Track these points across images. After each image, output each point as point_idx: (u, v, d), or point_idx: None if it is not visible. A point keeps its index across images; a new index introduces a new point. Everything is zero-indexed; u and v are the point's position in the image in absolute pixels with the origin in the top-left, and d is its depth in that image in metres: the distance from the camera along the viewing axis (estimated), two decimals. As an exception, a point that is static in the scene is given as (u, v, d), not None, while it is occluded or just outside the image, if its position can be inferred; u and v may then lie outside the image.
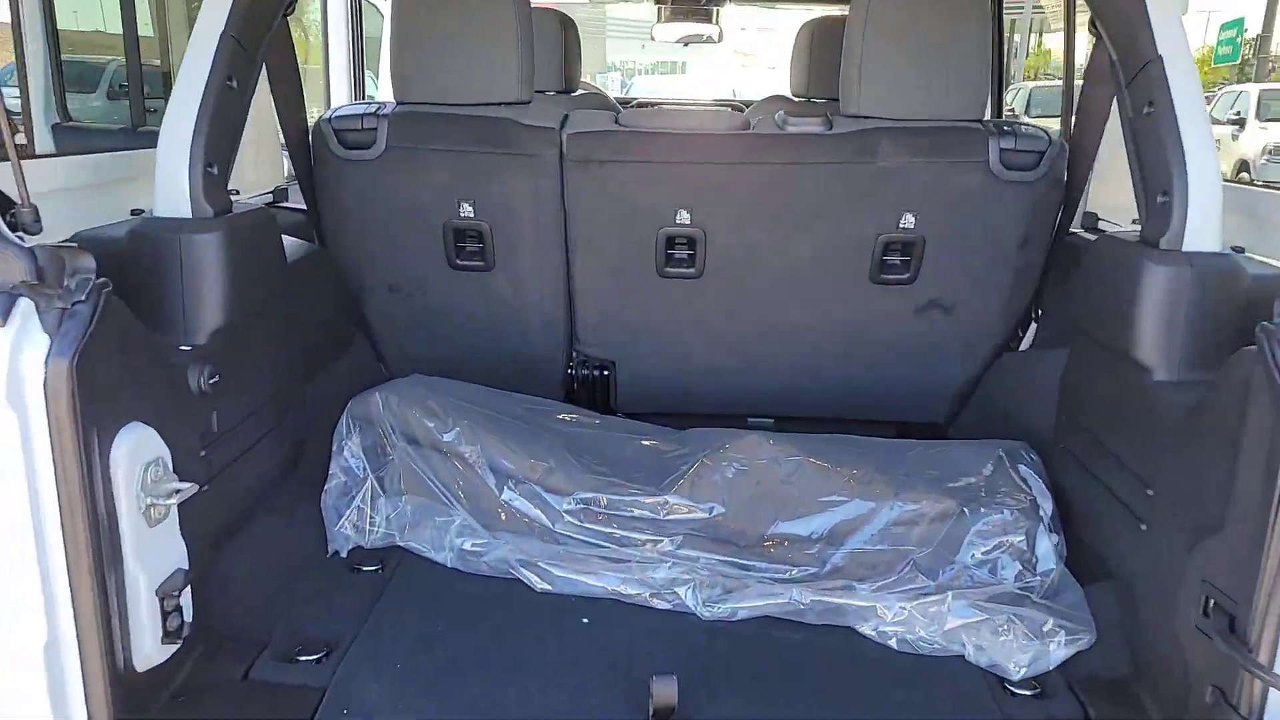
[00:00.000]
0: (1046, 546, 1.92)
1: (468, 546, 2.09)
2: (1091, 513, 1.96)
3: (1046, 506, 1.98)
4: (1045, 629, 1.73)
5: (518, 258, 2.62)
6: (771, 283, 2.59)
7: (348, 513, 2.17)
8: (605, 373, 2.88)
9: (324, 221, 2.63)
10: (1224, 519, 1.45)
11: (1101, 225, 2.63)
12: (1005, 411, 2.59)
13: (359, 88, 3.99)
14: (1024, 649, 1.72)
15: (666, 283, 2.63)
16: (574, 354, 2.85)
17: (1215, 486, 1.49)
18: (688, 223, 2.51)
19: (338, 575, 2.09)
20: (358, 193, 2.55)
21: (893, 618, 1.80)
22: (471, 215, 2.56)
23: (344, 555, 2.14)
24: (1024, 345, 2.78)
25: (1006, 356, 2.72)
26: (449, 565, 2.08)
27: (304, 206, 2.69)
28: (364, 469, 2.21)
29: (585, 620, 1.91)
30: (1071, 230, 2.55)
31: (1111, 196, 2.69)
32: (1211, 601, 1.46)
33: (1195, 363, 1.76)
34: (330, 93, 3.90)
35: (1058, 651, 1.72)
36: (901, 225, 2.47)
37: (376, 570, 2.09)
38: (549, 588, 1.99)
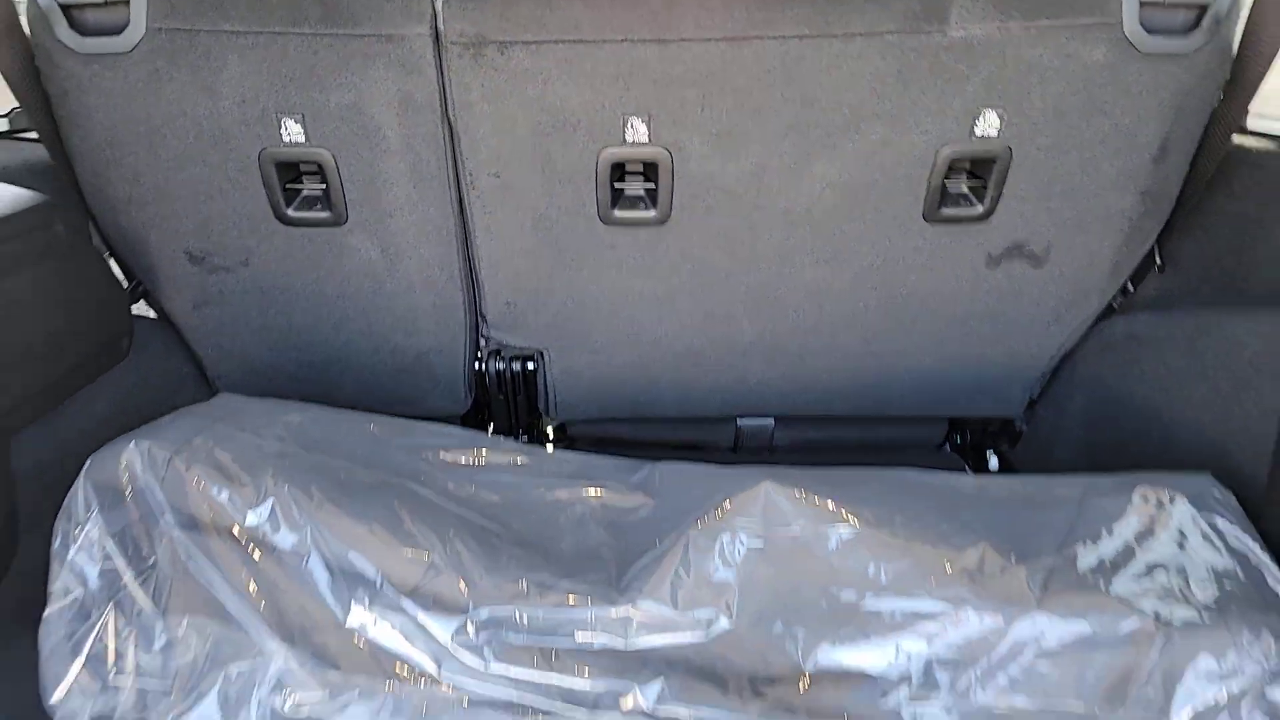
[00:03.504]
0: (1309, 682, 1.08)
1: (288, 709, 1.19)
2: None
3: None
4: None
5: (384, 204, 1.69)
6: (772, 228, 1.70)
7: (81, 655, 1.25)
8: (531, 366, 1.97)
9: (73, 159, 1.66)
10: None
11: (1257, 124, 1.78)
12: (1136, 417, 1.75)
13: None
14: None
15: (616, 233, 1.72)
16: (481, 342, 1.93)
17: None
18: (645, 139, 1.59)
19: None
20: (113, 110, 1.57)
21: None
22: (302, 139, 1.60)
23: (75, 734, 1.23)
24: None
25: (1119, 326, 1.87)
26: (256, 749, 1.19)
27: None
28: (110, 578, 1.28)
29: None
30: (1248, 130, 1.67)
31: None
32: None
33: None
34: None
35: None
36: (978, 131, 1.58)
37: None
38: (428, 800, 1.11)
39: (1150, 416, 1.68)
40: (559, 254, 1.74)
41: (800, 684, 1.18)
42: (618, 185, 1.67)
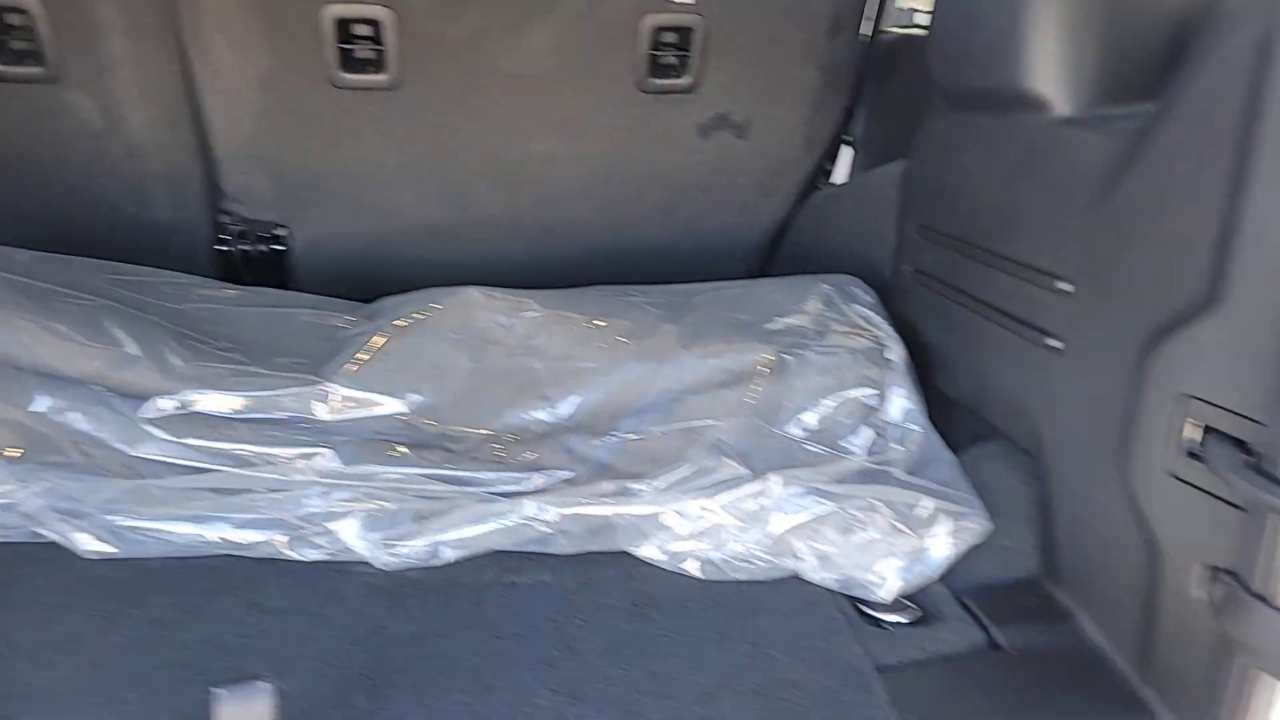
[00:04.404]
0: (904, 401, 1.30)
1: (-28, 499, 1.18)
2: (961, 349, 1.37)
3: (897, 352, 1.36)
4: (921, 516, 1.11)
5: (100, 57, 1.67)
6: (501, 94, 1.82)
7: None
8: (278, 247, 1.99)
9: None
10: (1216, 293, 0.87)
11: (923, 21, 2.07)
12: (826, 259, 1.99)
13: None
14: (892, 552, 1.09)
15: (347, 97, 1.78)
16: (223, 218, 1.94)
17: (1188, 249, 0.91)
18: None
19: None
20: None
21: (688, 528, 1.11)
22: None
23: None
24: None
25: (818, 196, 2.12)
26: (-70, 535, 1.17)
27: None
28: None
29: (166, 600, 1.08)
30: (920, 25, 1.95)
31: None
32: (1202, 425, 0.88)
33: (1111, 91, 1.18)
34: None
35: (942, 550, 1.10)
36: None
37: None
38: (109, 550, 1.13)
39: (830, 255, 1.92)
40: (292, 118, 1.78)
41: (490, 441, 1.29)
42: (345, 46, 1.73)
